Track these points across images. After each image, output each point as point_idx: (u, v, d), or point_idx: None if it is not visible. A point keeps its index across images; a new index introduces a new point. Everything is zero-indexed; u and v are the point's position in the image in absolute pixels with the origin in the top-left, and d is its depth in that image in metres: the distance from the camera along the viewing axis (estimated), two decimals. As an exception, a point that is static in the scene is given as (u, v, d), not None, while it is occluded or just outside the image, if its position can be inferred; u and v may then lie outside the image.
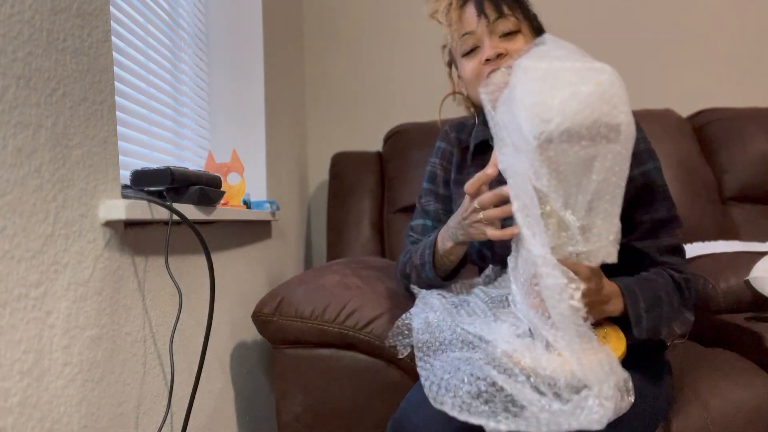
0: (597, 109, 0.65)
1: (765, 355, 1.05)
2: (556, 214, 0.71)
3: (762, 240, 1.63)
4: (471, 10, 0.92)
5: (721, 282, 1.35)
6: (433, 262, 0.95)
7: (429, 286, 0.98)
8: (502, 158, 0.75)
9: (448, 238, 0.91)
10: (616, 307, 0.79)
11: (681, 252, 0.89)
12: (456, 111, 1.08)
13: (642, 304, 0.80)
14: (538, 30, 0.96)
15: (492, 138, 0.98)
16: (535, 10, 0.98)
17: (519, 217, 0.72)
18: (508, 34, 0.91)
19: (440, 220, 1.06)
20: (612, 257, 0.72)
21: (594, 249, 0.72)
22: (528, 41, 0.92)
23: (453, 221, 0.89)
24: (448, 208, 1.08)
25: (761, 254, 1.38)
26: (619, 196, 0.70)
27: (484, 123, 1.03)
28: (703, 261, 1.41)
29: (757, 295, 1.30)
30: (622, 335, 0.77)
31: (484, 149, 1.02)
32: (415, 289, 0.99)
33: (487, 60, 0.90)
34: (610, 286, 0.79)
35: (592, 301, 0.73)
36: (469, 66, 0.94)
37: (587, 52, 0.73)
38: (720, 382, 0.94)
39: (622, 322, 0.80)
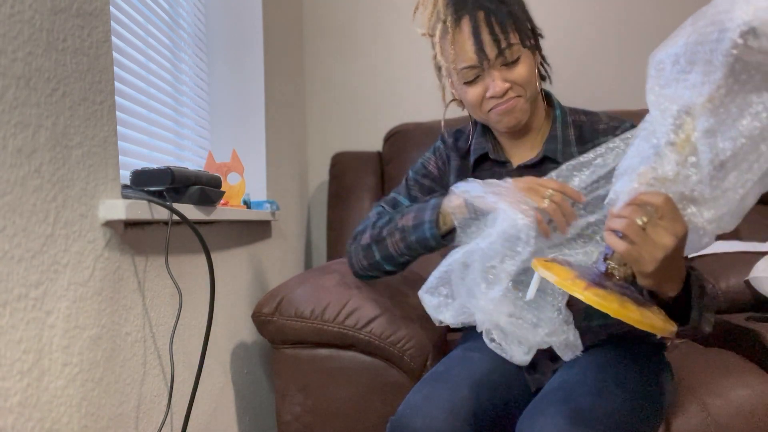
0: None
1: (765, 355, 1.05)
2: (692, 144, 0.62)
3: (762, 240, 1.63)
4: (468, 42, 0.88)
5: (721, 282, 1.35)
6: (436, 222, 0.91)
7: (390, 258, 0.99)
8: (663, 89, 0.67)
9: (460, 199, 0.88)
10: (675, 286, 0.71)
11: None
12: (458, 109, 1.07)
13: (696, 292, 0.74)
14: (536, 42, 0.94)
15: (491, 150, 1.00)
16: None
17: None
18: (510, 63, 0.89)
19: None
20: (714, 232, 0.64)
21: (713, 201, 0.62)
22: (529, 64, 0.90)
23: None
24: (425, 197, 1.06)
25: (761, 254, 1.38)
26: (764, 161, 0.60)
27: (483, 134, 1.03)
28: (703, 261, 1.41)
29: (757, 295, 1.30)
30: (670, 320, 0.68)
31: (484, 159, 1.02)
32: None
33: (493, 97, 0.90)
34: (683, 263, 0.71)
35: (667, 266, 0.65)
36: (472, 93, 0.92)
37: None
38: (720, 382, 0.94)
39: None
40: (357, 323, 1.08)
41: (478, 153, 1.02)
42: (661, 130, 0.64)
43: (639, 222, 0.63)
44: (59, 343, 0.60)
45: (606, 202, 0.72)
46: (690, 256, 1.42)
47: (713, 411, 0.90)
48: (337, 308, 1.10)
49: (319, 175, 2.17)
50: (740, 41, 0.57)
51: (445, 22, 0.90)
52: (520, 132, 0.99)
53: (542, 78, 0.99)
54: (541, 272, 0.68)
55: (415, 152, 1.87)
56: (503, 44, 0.87)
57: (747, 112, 0.60)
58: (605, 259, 0.69)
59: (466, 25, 0.88)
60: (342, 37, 2.15)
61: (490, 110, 0.92)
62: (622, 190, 0.68)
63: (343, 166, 1.97)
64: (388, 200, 1.10)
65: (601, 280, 0.67)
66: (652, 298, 0.73)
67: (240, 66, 1.53)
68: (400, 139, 1.94)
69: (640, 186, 0.65)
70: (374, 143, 2.10)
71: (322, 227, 2.17)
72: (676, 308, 0.73)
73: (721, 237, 1.67)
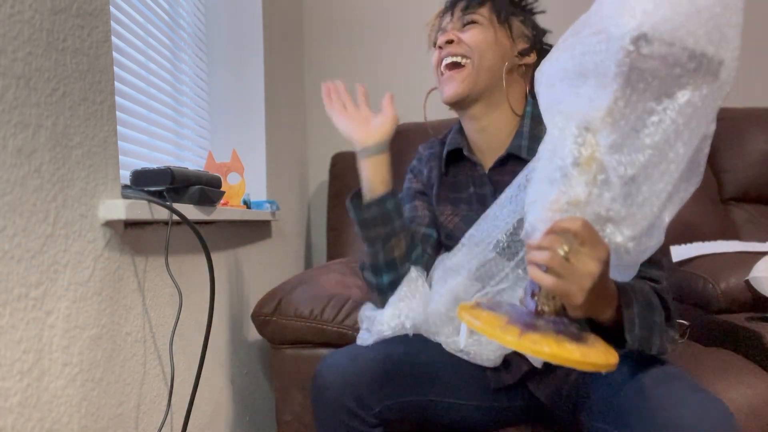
0: (699, 27, 0.53)
1: (765, 355, 1.05)
2: (598, 161, 0.58)
3: (762, 240, 1.63)
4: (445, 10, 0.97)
5: (721, 282, 1.35)
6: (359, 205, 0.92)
7: (372, 255, 0.93)
8: (550, 94, 0.63)
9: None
10: (609, 309, 0.67)
11: (661, 266, 0.82)
12: (445, 112, 1.05)
13: (636, 308, 0.69)
14: (533, 38, 0.96)
15: (465, 147, 0.99)
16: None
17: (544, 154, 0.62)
18: (466, 24, 0.93)
19: (418, 221, 1.02)
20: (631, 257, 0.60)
21: (630, 218, 0.58)
22: (489, 36, 0.92)
23: None
24: (426, 204, 1.06)
25: (761, 254, 1.38)
26: (674, 169, 0.57)
27: (459, 131, 1.02)
28: (703, 261, 1.41)
29: (757, 295, 1.30)
30: (611, 348, 0.62)
31: (457, 157, 1.00)
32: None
33: (440, 48, 0.94)
34: (611, 283, 0.67)
35: (596, 292, 0.61)
36: (435, 56, 0.96)
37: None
38: (720, 382, 0.94)
39: (606, 335, 0.68)
40: (356, 323, 1.08)
41: (452, 146, 1.00)
42: (563, 150, 0.60)
43: (561, 252, 0.59)
44: (59, 343, 0.60)
45: (522, 235, 0.67)
46: (691, 256, 1.42)
47: (713, 411, 0.89)
48: (337, 308, 1.10)
49: (319, 175, 2.17)
50: (633, 48, 0.53)
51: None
52: (484, 130, 0.96)
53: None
54: (467, 321, 0.62)
55: (415, 152, 1.87)
56: (471, 4, 0.92)
57: (649, 121, 0.56)
58: (533, 295, 0.63)
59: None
60: (342, 37, 2.15)
61: (441, 74, 0.95)
62: (536, 220, 0.62)
63: (343, 166, 1.97)
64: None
65: (533, 319, 0.62)
66: (588, 322, 0.70)
67: (240, 66, 1.53)
68: (400, 139, 1.93)
69: (554, 213, 0.60)
70: (374, 143, 2.09)
71: (322, 227, 2.17)
72: (617, 330, 0.70)
73: (721, 237, 1.68)
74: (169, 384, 0.82)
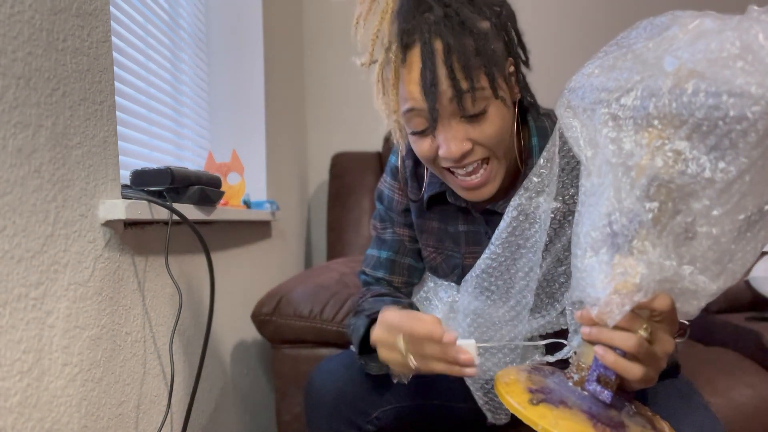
0: None
1: (765, 355, 1.05)
2: (680, 225, 0.46)
3: (762, 240, 1.63)
4: (415, 80, 0.65)
5: (721, 282, 1.35)
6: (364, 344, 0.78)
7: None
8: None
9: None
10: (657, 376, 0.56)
11: None
12: None
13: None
14: (520, 88, 0.72)
15: (449, 192, 0.80)
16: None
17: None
18: (472, 116, 0.66)
19: (403, 250, 0.89)
20: (691, 312, 0.51)
21: (712, 291, 0.48)
22: (501, 117, 0.68)
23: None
24: (413, 233, 0.89)
25: (761, 254, 1.38)
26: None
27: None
28: (703, 261, 1.41)
29: (757, 295, 1.30)
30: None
31: (439, 200, 0.83)
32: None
33: (447, 158, 0.69)
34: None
35: (651, 372, 0.52)
36: (421, 146, 0.71)
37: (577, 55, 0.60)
38: (720, 382, 0.95)
39: None
40: (357, 323, 1.08)
41: (432, 191, 0.82)
42: (625, 207, 0.48)
43: (645, 335, 0.50)
44: (59, 343, 0.60)
45: (567, 304, 0.58)
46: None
47: (715, 410, 0.90)
48: (336, 307, 1.10)
49: (319, 175, 2.17)
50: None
51: (388, 50, 0.67)
52: None
53: (526, 108, 0.77)
54: (535, 420, 0.50)
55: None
56: (464, 87, 0.64)
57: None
58: (601, 382, 0.52)
59: (415, 57, 0.65)
60: (342, 38, 2.15)
61: (448, 170, 0.72)
62: (599, 296, 0.50)
63: (343, 167, 1.97)
64: (369, 263, 0.92)
65: (614, 414, 0.52)
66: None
67: (240, 66, 1.53)
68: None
69: (625, 290, 0.49)
70: (374, 143, 2.10)
71: (322, 227, 2.17)
72: None
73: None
74: (169, 384, 0.82)
